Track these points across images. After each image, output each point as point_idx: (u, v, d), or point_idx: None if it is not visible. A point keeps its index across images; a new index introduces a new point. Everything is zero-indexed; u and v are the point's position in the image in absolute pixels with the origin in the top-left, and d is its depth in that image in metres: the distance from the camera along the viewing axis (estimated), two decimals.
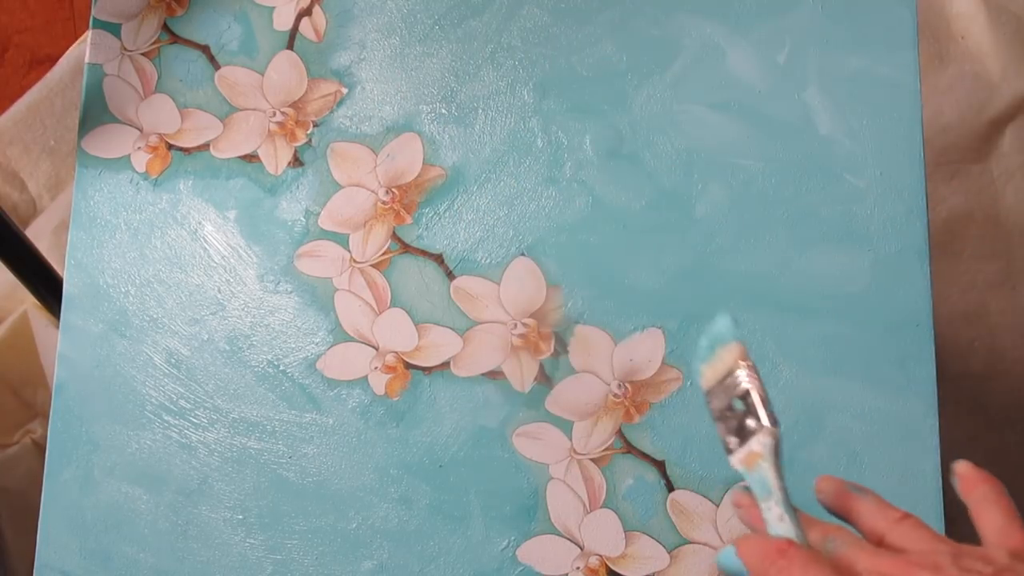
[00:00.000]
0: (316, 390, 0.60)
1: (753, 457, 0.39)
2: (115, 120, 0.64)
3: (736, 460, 0.39)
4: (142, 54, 0.65)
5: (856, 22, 0.62)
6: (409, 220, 0.62)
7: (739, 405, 0.39)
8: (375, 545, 0.59)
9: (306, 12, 0.65)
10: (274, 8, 0.65)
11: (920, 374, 0.58)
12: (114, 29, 0.65)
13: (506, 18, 0.64)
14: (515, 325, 0.60)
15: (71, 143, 1.22)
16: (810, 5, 0.62)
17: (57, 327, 0.79)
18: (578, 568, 0.58)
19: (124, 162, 0.64)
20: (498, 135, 0.62)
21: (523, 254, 0.61)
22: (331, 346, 0.61)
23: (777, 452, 0.38)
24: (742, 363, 0.40)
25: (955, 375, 1.17)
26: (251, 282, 0.62)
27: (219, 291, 0.62)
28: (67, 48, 1.26)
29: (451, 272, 0.61)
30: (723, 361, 0.40)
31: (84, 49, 0.66)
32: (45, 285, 0.92)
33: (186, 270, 0.62)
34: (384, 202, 0.62)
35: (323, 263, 0.62)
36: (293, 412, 0.60)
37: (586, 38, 0.63)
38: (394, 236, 0.62)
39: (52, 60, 1.27)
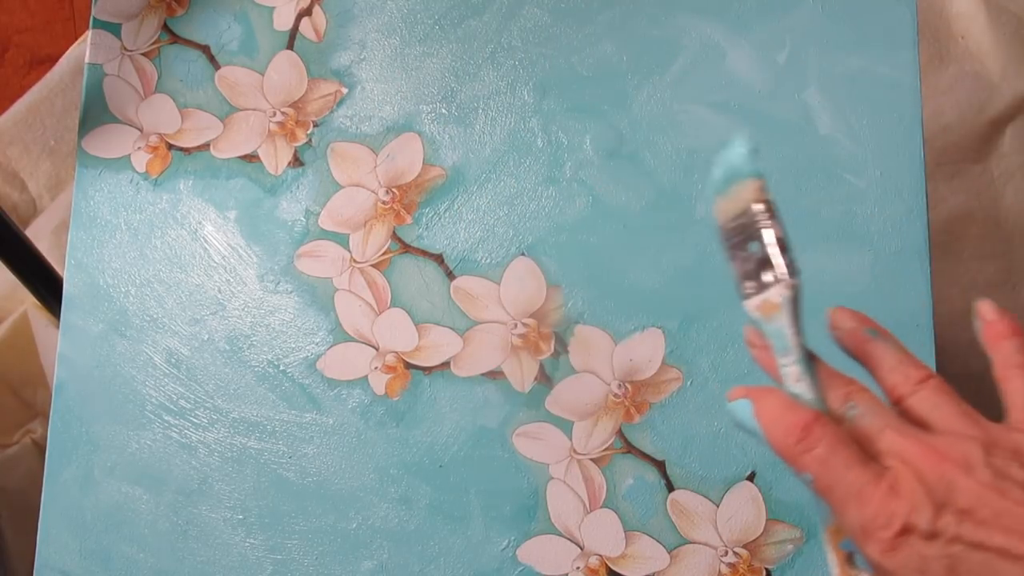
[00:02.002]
0: (316, 390, 0.60)
1: (770, 307, 0.36)
2: (115, 120, 0.64)
3: (752, 307, 0.37)
4: (142, 54, 0.65)
5: (856, 22, 0.62)
6: (409, 220, 0.62)
7: (755, 248, 0.36)
8: (375, 545, 0.59)
9: (306, 12, 0.65)
10: (274, 8, 0.65)
11: None
12: (114, 29, 0.65)
13: (506, 18, 0.64)
14: (515, 325, 0.60)
15: (71, 143, 1.22)
16: (810, 5, 0.62)
17: (57, 327, 0.79)
18: (578, 568, 0.58)
19: (124, 162, 0.64)
20: (498, 135, 0.62)
21: (523, 254, 0.61)
22: (331, 346, 0.61)
23: (796, 305, 0.36)
24: (759, 201, 0.36)
25: (955, 375, 1.16)
26: (251, 282, 0.62)
27: (219, 291, 0.62)
28: (67, 48, 1.26)
29: (451, 272, 0.61)
30: (739, 197, 0.37)
31: (84, 49, 0.66)
32: (45, 285, 0.92)
33: (186, 270, 0.62)
34: (384, 202, 0.62)
35: (323, 263, 0.62)
36: (293, 412, 0.60)
37: (586, 38, 0.63)
38: (394, 236, 0.62)
39: (52, 60, 1.27)
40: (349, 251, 0.62)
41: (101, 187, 0.63)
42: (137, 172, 0.63)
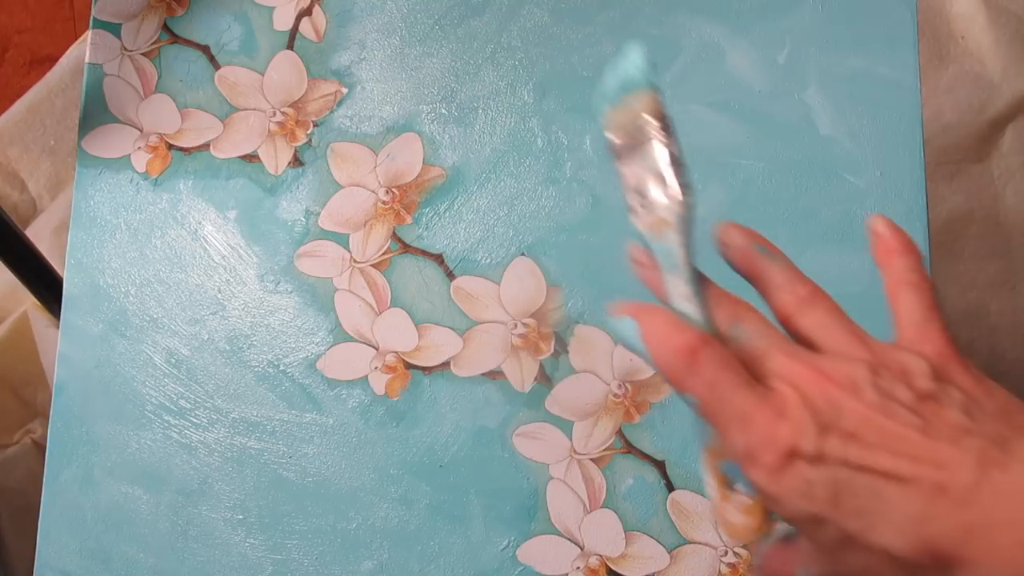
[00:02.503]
0: (316, 390, 0.60)
1: (660, 224, 0.35)
2: (115, 120, 0.64)
3: (641, 223, 0.35)
4: (142, 54, 0.65)
5: (856, 22, 0.62)
6: (409, 220, 0.62)
7: (648, 162, 0.35)
8: (375, 545, 0.59)
9: (306, 12, 0.65)
10: (274, 8, 0.65)
11: None
12: (114, 29, 0.65)
13: (506, 18, 0.64)
14: (515, 325, 0.60)
15: (71, 143, 1.22)
16: (810, 5, 0.62)
17: (57, 327, 0.79)
18: (578, 568, 0.58)
19: (124, 162, 0.64)
20: (498, 135, 0.62)
21: (523, 254, 0.61)
22: (331, 346, 0.61)
23: (688, 223, 0.34)
24: (654, 115, 0.34)
25: None
26: (251, 282, 0.62)
27: (219, 291, 0.62)
28: (67, 48, 1.26)
29: (451, 272, 0.61)
30: (631, 108, 0.35)
31: (84, 49, 0.66)
32: (45, 285, 0.92)
33: (186, 270, 0.62)
34: (384, 202, 0.62)
35: (323, 263, 0.62)
36: (293, 412, 0.60)
37: (586, 38, 0.63)
38: (394, 236, 0.62)
39: (52, 60, 1.27)
40: (349, 251, 0.62)
41: (101, 187, 0.63)
42: (137, 172, 0.63)
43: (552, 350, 0.60)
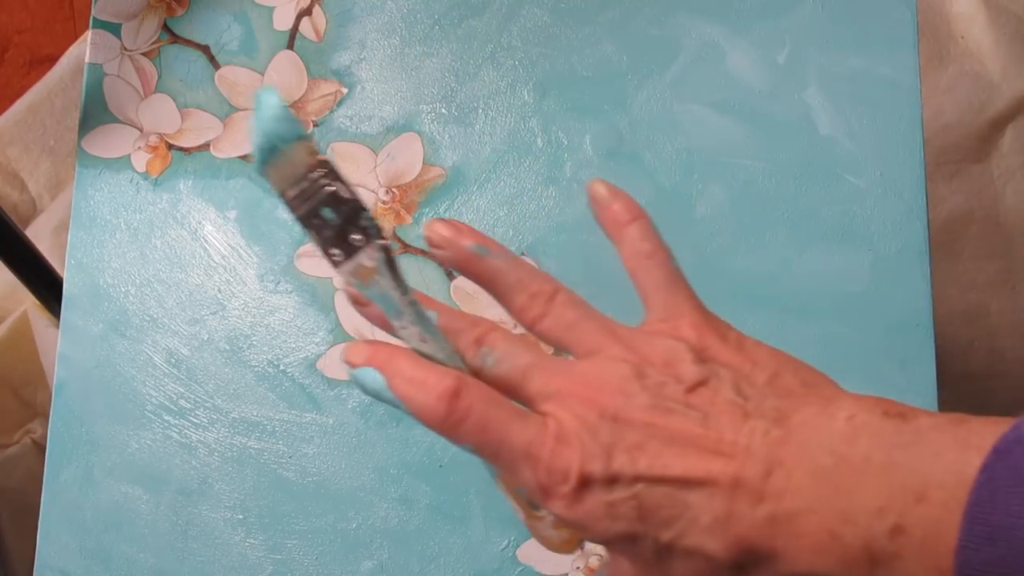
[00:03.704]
0: (316, 390, 0.60)
1: (366, 272, 0.33)
2: (115, 120, 0.64)
3: (345, 273, 0.33)
4: (142, 54, 0.65)
5: (856, 22, 0.62)
6: (409, 220, 0.62)
7: (329, 214, 0.33)
8: (375, 545, 0.59)
9: (306, 12, 0.65)
10: (274, 8, 0.65)
11: (920, 374, 0.58)
12: (114, 29, 0.65)
13: (506, 18, 0.64)
14: (515, 325, 0.60)
15: (71, 143, 1.22)
16: (810, 5, 0.62)
17: (57, 327, 0.79)
18: (578, 568, 0.58)
19: (124, 162, 0.64)
20: (498, 135, 0.62)
21: (523, 254, 0.61)
22: (331, 346, 0.61)
23: (393, 264, 0.33)
24: (314, 164, 0.33)
25: (955, 375, 1.17)
26: (251, 282, 0.62)
27: (219, 291, 0.62)
28: (67, 48, 1.26)
29: (451, 272, 0.61)
30: (291, 162, 0.33)
31: (84, 49, 0.66)
32: (45, 285, 0.92)
33: (186, 270, 0.62)
34: (384, 202, 0.62)
35: (323, 263, 0.62)
36: (293, 412, 0.60)
37: (586, 38, 0.63)
38: (394, 236, 0.62)
39: (52, 60, 1.27)
40: None
41: (101, 187, 0.63)
42: (137, 172, 0.63)
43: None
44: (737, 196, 0.60)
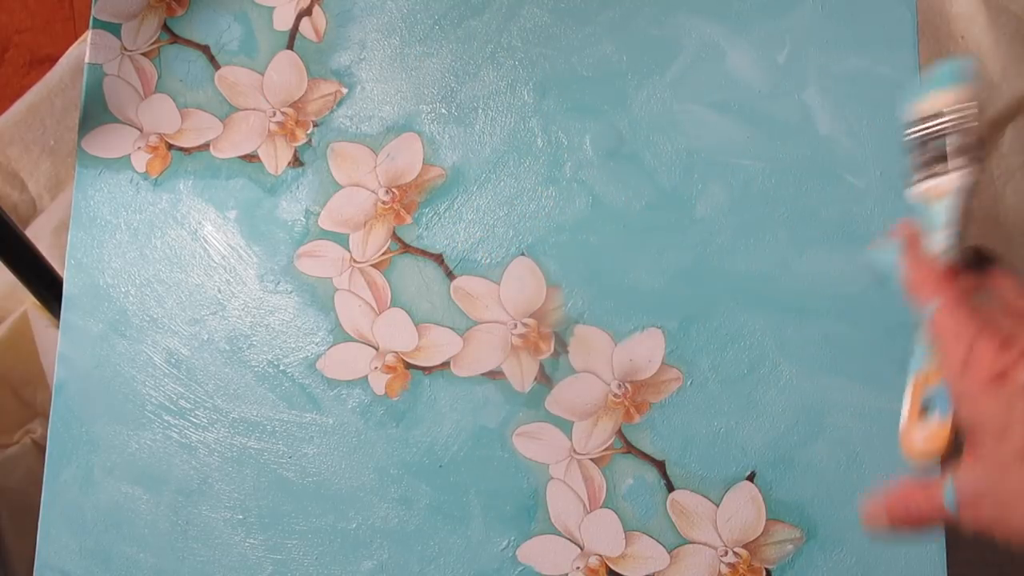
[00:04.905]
0: (316, 390, 0.60)
1: (940, 192, 0.41)
2: (115, 120, 0.64)
3: (919, 190, 0.42)
4: (142, 54, 0.65)
5: (856, 22, 0.62)
6: (409, 220, 0.62)
7: (938, 144, 0.41)
8: (375, 545, 0.59)
9: (306, 12, 0.65)
10: (274, 8, 0.65)
11: None
12: (114, 29, 0.65)
13: (506, 18, 0.64)
14: (515, 325, 0.60)
15: (71, 143, 1.22)
16: (810, 5, 0.62)
17: (57, 327, 0.79)
18: (578, 568, 0.58)
19: (124, 162, 0.64)
20: (498, 135, 0.62)
21: (523, 254, 0.61)
22: (331, 346, 0.61)
23: (969, 194, 0.40)
24: (952, 109, 0.41)
25: None
26: (251, 282, 0.62)
27: (219, 291, 0.62)
28: (67, 48, 1.26)
29: (451, 272, 0.61)
30: (932, 103, 0.42)
31: (84, 49, 0.66)
32: (45, 285, 0.92)
33: (186, 270, 0.62)
34: (384, 202, 0.62)
35: (323, 263, 0.62)
36: (293, 412, 0.60)
37: (586, 38, 0.63)
38: (394, 236, 0.62)
39: (52, 60, 1.27)
40: (349, 251, 0.62)
41: (101, 187, 0.63)
42: (137, 172, 0.63)
43: (552, 350, 0.60)
44: (737, 196, 0.60)
